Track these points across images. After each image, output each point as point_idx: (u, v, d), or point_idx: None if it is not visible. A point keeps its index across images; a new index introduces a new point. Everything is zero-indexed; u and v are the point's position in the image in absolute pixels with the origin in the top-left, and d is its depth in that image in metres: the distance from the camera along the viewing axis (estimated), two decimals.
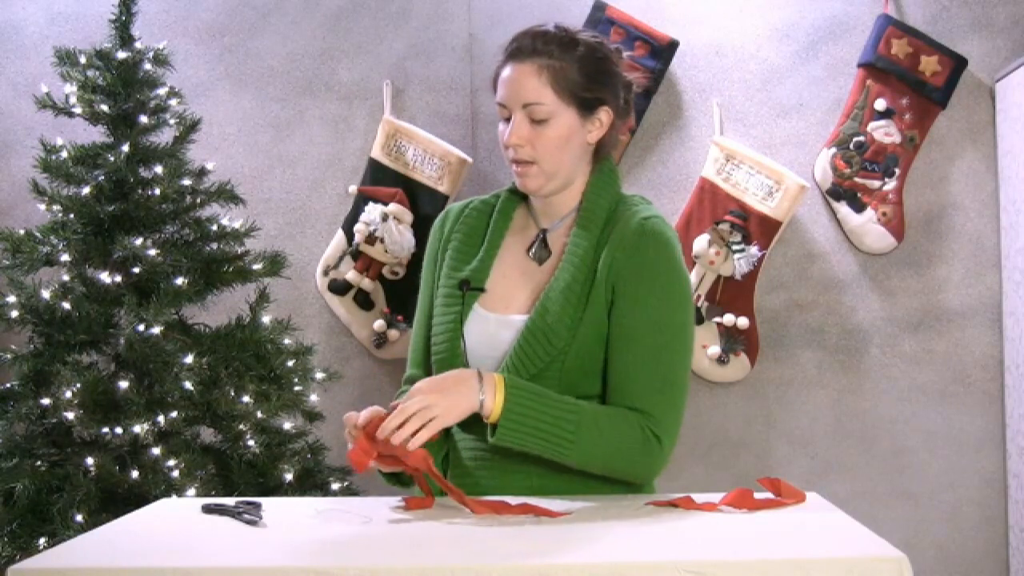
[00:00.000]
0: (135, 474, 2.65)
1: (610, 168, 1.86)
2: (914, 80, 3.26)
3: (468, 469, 1.80)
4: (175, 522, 1.61)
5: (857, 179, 3.30)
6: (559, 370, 1.73)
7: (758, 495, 1.65)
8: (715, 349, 3.30)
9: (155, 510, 1.71)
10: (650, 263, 1.75)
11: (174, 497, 2.35)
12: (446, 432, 1.80)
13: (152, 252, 2.75)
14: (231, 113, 3.46)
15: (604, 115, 1.80)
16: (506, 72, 1.78)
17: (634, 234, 1.76)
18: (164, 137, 2.93)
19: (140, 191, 2.83)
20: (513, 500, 1.64)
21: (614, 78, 1.81)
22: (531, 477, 1.75)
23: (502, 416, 1.64)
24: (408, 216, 3.32)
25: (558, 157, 1.77)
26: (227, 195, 2.95)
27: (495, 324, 1.80)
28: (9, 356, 2.76)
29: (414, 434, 1.62)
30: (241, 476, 2.79)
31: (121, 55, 2.87)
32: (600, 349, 1.75)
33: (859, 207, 3.30)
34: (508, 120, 1.78)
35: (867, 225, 3.30)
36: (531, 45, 1.76)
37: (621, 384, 1.74)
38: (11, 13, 3.50)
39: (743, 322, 3.29)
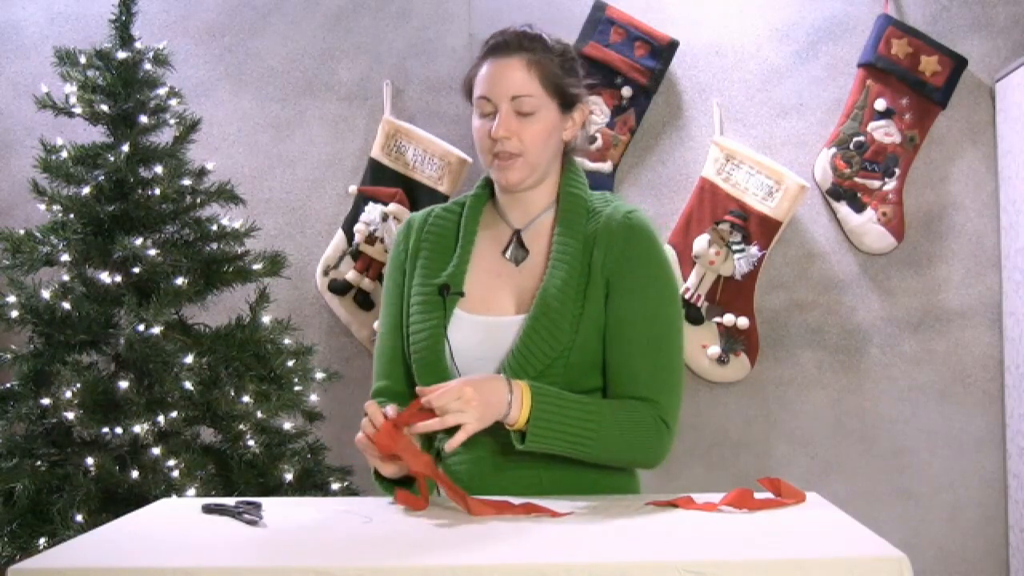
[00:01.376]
0: (135, 474, 2.65)
1: (578, 167, 1.91)
2: (914, 80, 3.26)
3: (458, 475, 1.79)
4: (175, 522, 1.61)
5: (857, 179, 3.30)
6: (563, 367, 1.75)
7: (758, 495, 1.65)
8: (715, 349, 3.30)
9: (155, 510, 1.71)
10: (642, 257, 1.79)
11: (174, 497, 2.35)
12: (429, 439, 1.82)
13: (152, 252, 2.75)
14: (231, 113, 3.46)
15: (579, 114, 1.86)
16: (489, 67, 1.81)
17: (622, 228, 1.79)
18: (164, 137, 2.93)
19: (140, 191, 2.83)
20: (516, 500, 1.64)
21: (582, 79, 1.88)
22: (538, 471, 1.76)
23: (531, 423, 1.66)
24: (408, 216, 3.31)
25: (542, 150, 1.81)
26: (227, 195, 2.95)
27: (484, 326, 1.80)
28: (9, 356, 2.76)
29: (447, 432, 1.64)
30: (241, 476, 2.78)
31: (121, 55, 2.87)
32: (599, 343, 1.78)
33: (859, 207, 3.30)
34: (488, 115, 1.80)
35: (867, 225, 3.30)
36: (516, 41, 1.81)
37: (623, 375, 1.77)
38: (11, 13, 3.50)
39: (743, 322, 3.29)
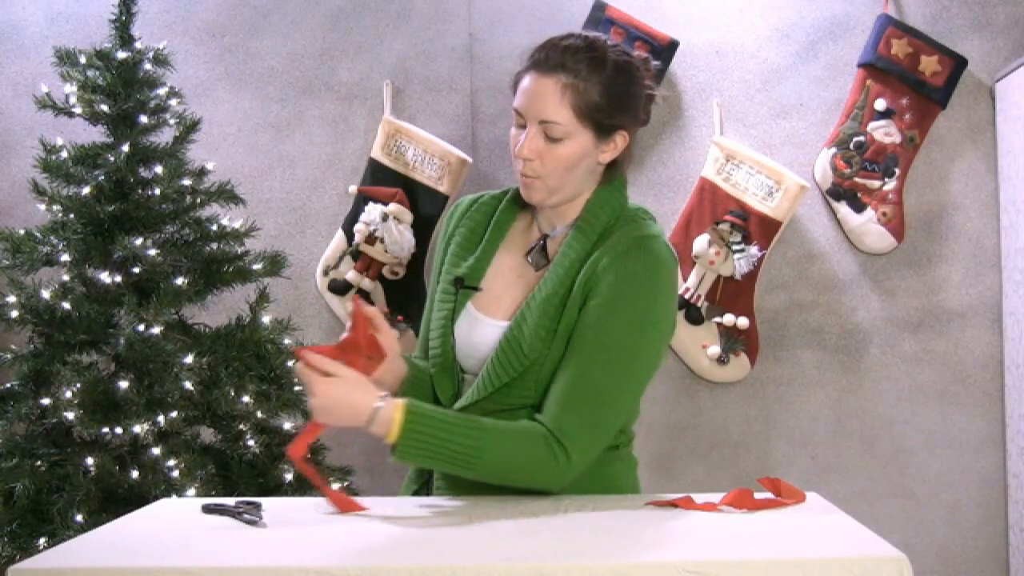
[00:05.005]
0: (135, 474, 2.65)
1: (620, 182, 1.83)
2: (914, 80, 3.26)
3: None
4: (175, 522, 1.62)
5: (857, 179, 3.30)
6: (534, 380, 1.73)
7: (758, 495, 1.65)
8: (715, 349, 3.30)
9: (155, 510, 1.71)
10: (627, 279, 1.70)
11: (174, 497, 2.35)
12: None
13: (152, 252, 2.75)
14: (231, 113, 3.46)
15: (620, 139, 1.77)
16: (528, 82, 1.74)
17: (624, 247, 1.72)
18: (164, 137, 2.93)
19: (140, 191, 2.83)
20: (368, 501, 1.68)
21: (637, 100, 1.77)
22: None
23: (401, 438, 1.62)
24: (408, 216, 3.32)
25: (565, 176, 1.74)
26: (227, 195, 2.95)
27: (481, 326, 1.80)
28: (9, 356, 2.76)
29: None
30: (241, 476, 2.79)
31: (121, 55, 2.87)
32: None
33: (859, 207, 3.30)
34: (522, 127, 1.75)
35: (867, 225, 3.30)
36: (559, 59, 1.71)
37: (554, 387, 1.71)
38: (11, 13, 3.49)
39: (743, 322, 3.29)
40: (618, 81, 1.73)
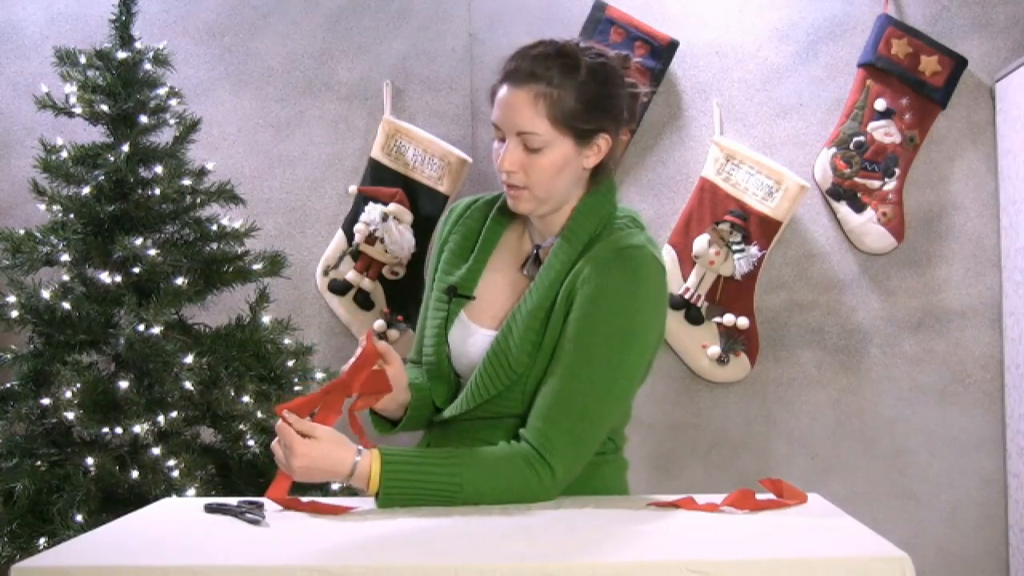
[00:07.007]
0: (135, 474, 2.64)
1: (607, 188, 1.80)
2: (914, 80, 3.26)
3: None
4: (176, 522, 1.62)
5: (857, 179, 3.30)
6: (521, 392, 1.73)
7: (760, 496, 1.65)
8: (715, 349, 3.30)
9: (155, 510, 1.71)
10: (607, 292, 1.68)
11: (174, 497, 2.35)
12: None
13: (152, 252, 2.75)
14: (231, 113, 3.46)
15: (603, 142, 1.74)
16: (502, 94, 1.72)
17: (605, 259, 1.70)
18: (164, 137, 2.93)
19: (140, 191, 2.82)
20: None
21: (617, 100, 1.74)
22: None
23: (382, 488, 1.63)
24: (408, 216, 3.32)
25: (550, 185, 1.72)
26: (227, 195, 2.95)
27: (473, 335, 1.80)
28: (9, 356, 2.76)
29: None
30: (241, 476, 2.79)
31: (121, 55, 2.87)
32: None
33: (859, 207, 3.30)
34: (503, 140, 1.73)
35: (867, 225, 3.30)
36: (529, 69, 1.68)
37: (537, 402, 1.71)
38: (11, 13, 3.49)
39: (743, 322, 3.29)
40: (593, 84, 1.70)
